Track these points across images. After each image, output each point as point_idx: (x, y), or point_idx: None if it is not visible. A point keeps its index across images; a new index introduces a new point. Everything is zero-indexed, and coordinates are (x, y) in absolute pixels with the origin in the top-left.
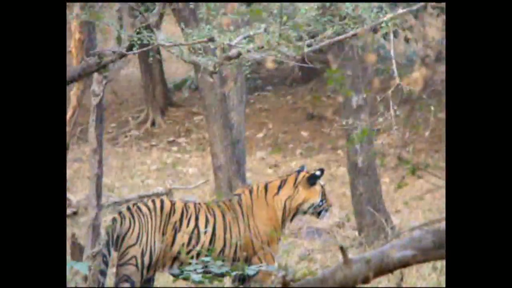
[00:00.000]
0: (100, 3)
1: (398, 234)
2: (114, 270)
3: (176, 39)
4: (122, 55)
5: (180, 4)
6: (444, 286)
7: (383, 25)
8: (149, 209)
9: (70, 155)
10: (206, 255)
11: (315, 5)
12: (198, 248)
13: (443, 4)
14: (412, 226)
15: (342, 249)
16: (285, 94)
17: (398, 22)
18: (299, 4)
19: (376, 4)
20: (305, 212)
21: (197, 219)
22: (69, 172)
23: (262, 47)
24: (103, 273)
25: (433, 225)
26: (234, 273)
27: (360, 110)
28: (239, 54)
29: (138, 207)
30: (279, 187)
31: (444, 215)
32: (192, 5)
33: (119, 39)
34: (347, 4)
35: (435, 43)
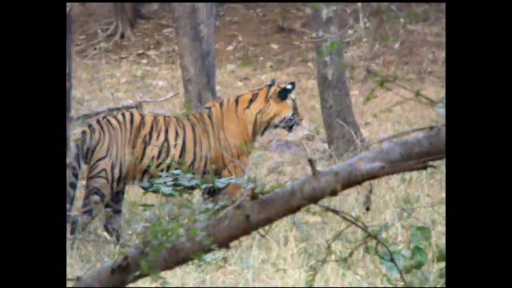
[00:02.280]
0: None
1: (367, 146)
2: (84, 182)
3: None
4: None
5: None
6: (411, 197)
7: None
8: (118, 122)
9: None
10: (176, 168)
11: None
12: (168, 161)
13: None
14: (381, 138)
15: (311, 162)
16: (255, 7)
17: None
18: None
19: None
20: (276, 126)
21: (167, 132)
22: None
23: None
24: (73, 186)
25: (402, 137)
26: (204, 186)
27: (330, 22)
28: None
29: (108, 120)
30: (250, 101)
31: (413, 127)
32: None
33: None
34: None
35: None
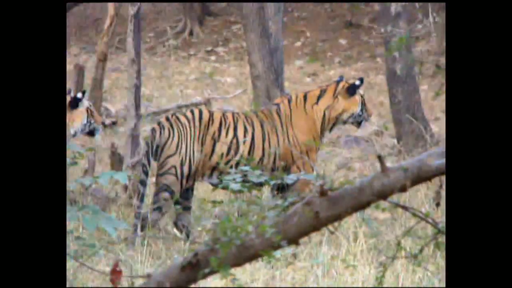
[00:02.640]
0: None
1: (437, 142)
2: (153, 179)
3: None
4: None
5: None
6: None
7: None
8: (187, 119)
9: (108, 65)
10: (245, 165)
11: None
12: (237, 157)
13: None
14: None
15: (380, 158)
16: (323, 2)
17: None
18: None
19: None
20: (344, 122)
21: (235, 129)
22: (107, 82)
23: None
24: (143, 183)
25: None
26: (272, 182)
27: (399, 17)
28: None
29: (177, 117)
30: (319, 97)
31: None
32: None
33: None
34: None
35: None
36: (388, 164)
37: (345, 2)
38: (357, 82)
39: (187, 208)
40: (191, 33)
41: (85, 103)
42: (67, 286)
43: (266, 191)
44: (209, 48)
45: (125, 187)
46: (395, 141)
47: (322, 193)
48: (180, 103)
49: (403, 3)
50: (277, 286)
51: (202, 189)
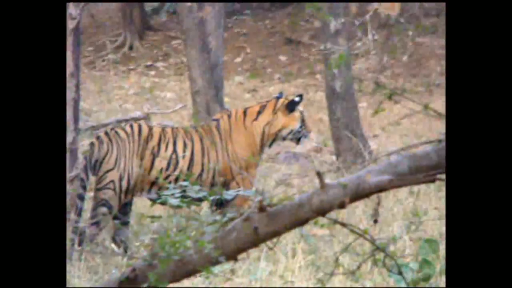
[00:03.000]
0: None
1: (375, 159)
2: (92, 194)
3: None
4: None
5: None
6: (419, 210)
7: None
8: (127, 133)
9: None
10: (184, 180)
11: None
12: (176, 173)
13: None
14: (389, 151)
15: (319, 174)
16: (263, 18)
17: None
18: None
19: None
20: (284, 138)
21: (175, 144)
22: None
23: None
24: (81, 197)
25: (410, 150)
26: (211, 198)
27: (338, 34)
28: None
29: (116, 132)
30: (258, 113)
31: (421, 140)
32: None
33: None
34: None
35: None
36: (327, 180)
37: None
38: (297, 99)
39: (126, 223)
40: (130, 48)
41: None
42: None
43: (205, 206)
44: (149, 63)
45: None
46: (334, 157)
47: (261, 209)
48: (120, 118)
49: (343, 21)
50: None
51: (140, 204)
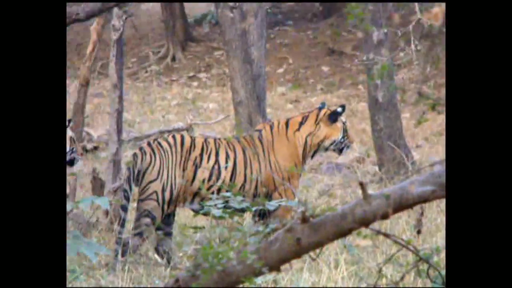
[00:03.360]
0: None
1: (418, 169)
2: (135, 205)
3: None
4: None
5: None
6: None
7: None
8: (169, 144)
9: (91, 90)
10: (226, 191)
11: None
12: (218, 183)
13: None
14: (432, 161)
15: (362, 185)
16: (305, 29)
17: None
18: None
19: None
20: (326, 149)
21: (217, 154)
22: (89, 107)
23: None
24: (124, 208)
25: None
26: (254, 209)
27: (381, 45)
28: None
29: (159, 143)
30: (300, 123)
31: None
32: None
33: None
34: None
35: None
36: (370, 191)
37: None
38: (339, 109)
39: (169, 234)
40: (173, 59)
41: (342, 118)
42: None
43: (247, 217)
44: (191, 74)
45: (106, 212)
46: (376, 168)
47: (304, 219)
48: (162, 129)
49: (385, 31)
50: None
51: (183, 214)
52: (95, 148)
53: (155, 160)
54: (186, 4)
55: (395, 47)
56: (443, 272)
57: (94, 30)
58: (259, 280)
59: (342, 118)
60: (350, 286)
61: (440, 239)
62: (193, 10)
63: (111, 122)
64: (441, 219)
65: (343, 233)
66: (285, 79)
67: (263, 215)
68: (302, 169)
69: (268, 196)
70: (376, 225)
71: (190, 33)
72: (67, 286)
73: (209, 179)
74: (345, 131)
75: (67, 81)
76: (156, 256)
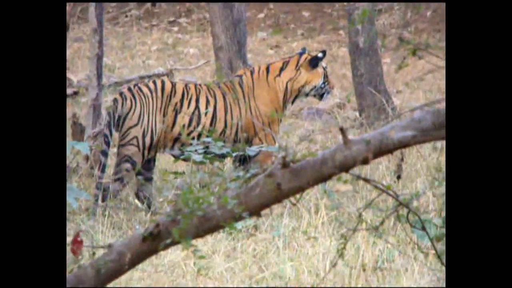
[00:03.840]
0: None
1: (399, 114)
2: (115, 150)
3: None
4: None
5: None
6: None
7: None
8: (150, 90)
9: (70, 35)
10: (207, 136)
11: None
12: (199, 129)
13: None
14: (412, 106)
15: (342, 130)
16: None
17: None
18: None
19: None
20: (307, 95)
21: (197, 100)
22: (69, 52)
23: None
24: (104, 153)
25: (434, 105)
26: (234, 154)
27: None
28: None
29: (139, 88)
30: (281, 69)
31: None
32: None
33: None
34: None
35: None
36: (350, 136)
37: None
38: (320, 55)
39: (149, 179)
40: (153, 4)
41: (323, 64)
42: None
43: (228, 162)
44: (171, 19)
45: (87, 158)
46: (357, 113)
47: (284, 165)
48: (143, 74)
49: None
50: (238, 257)
51: (164, 160)
52: (75, 93)
53: (135, 105)
54: None
55: None
56: (423, 216)
57: None
58: (239, 225)
59: (323, 63)
60: (330, 230)
61: (420, 184)
62: None
63: (91, 67)
64: (421, 164)
65: (323, 178)
66: (265, 24)
67: (243, 161)
68: (282, 114)
69: (249, 142)
70: (356, 170)
71: None
72: None
73: (189, 125)
74: (325, 76)
75: None
76: (136, 201)
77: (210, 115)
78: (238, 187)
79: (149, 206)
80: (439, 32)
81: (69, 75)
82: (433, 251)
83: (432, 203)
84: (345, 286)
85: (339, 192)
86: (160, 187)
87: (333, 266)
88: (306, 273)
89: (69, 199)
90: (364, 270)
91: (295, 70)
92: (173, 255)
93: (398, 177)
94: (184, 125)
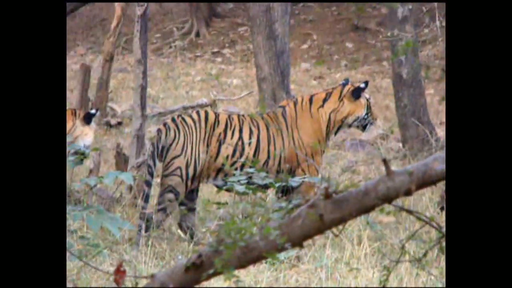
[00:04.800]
0: None
1: (442, 146)
2: (159, 180)
3: None
4: None
5: None
6: None
7: None
8: (193, 120)
9: (115, 65)
10: (250, 167)
11: None
12: (242, 159)
13: None
14: None
15: (385, 161)
16: (329, 5)
17: None
18: None
19: None
20: (350, 125)
21: (241, 130)
22: (113, 82)
23: None
24: (148, 184)
25: None
26: (277, 185)
27: (405, 21)
28: None
29: (183, 118)
30: (324, 100)
31: None
32: None
33: None
34: None
35: None
36: (393, 167)
37: (351, 1)
38: (362, 85)
39: (192, 210)
40: (197, 35)
41: (366, 95)
42: (71, 286)
43: (270, 193)
44: (215, 50)
45: (130, 188)
46: (400, 145)
47: (327, 196)
48: (186, 104)
49: (410, 7)
50: None
51: (206, 190)
52: (119, 123)
53: (179, 135)
54: None
55: (420, 23)
56: None
57: (118, 5)
58: (281, 256)
59: (366, 94)
60: (373, 262)
61: None
62: None
63: (135, 97)
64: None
65: (366, 210)
66: (309, 55)
67: (286, 191)
68: (325, 145)
69: (291, 172)
70: (399, 201)
71: (214, 9)
72: (91, 260)
73: (233, 155)
74: (368, 107)
75: (91, 57)
76: (179, 231)
77: (253, 145)
78: (281, 218)
79: (191, 237)
80: None
81: (113, 105)
82: None
83: None
84: None
85: (382, 224)
86: (203, 217)
87: None
88: None
89: (113, 229)
90: None
91: (338, 101)
92: (216, 285)
93: (442, 209)
94: (227, 156)
